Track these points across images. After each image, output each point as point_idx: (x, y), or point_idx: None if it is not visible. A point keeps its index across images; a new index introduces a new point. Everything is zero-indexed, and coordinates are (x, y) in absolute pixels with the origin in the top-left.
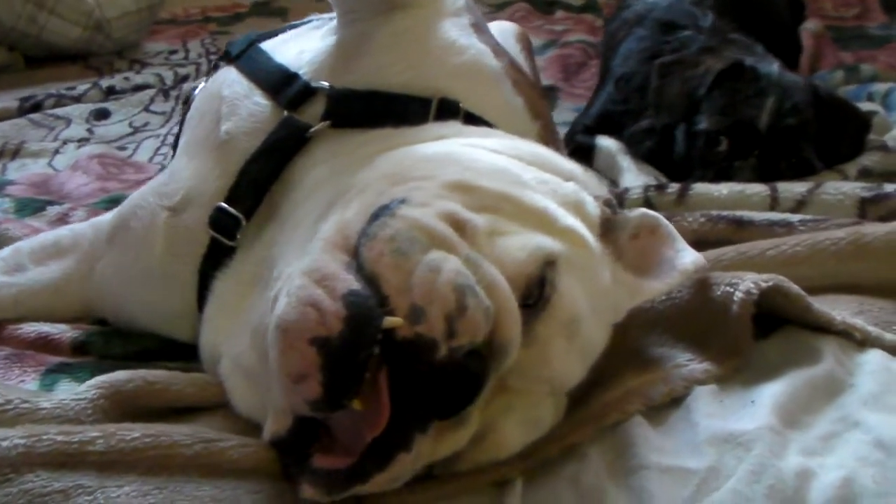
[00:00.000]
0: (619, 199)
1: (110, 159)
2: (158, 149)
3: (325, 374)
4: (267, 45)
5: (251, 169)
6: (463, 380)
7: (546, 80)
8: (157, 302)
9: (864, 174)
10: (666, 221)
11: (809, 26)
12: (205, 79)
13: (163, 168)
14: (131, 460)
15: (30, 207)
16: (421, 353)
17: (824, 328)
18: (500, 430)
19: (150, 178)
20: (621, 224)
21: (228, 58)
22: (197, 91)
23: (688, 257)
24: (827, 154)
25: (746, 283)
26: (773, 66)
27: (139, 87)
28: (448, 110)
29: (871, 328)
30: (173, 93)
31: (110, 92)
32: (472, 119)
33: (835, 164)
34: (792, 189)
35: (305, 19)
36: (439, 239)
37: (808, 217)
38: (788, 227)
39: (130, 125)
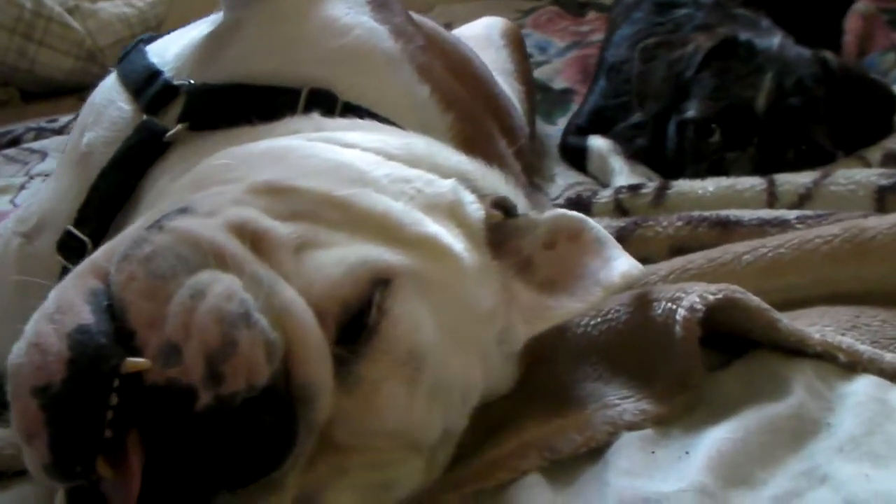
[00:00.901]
0: (586, 205)
1: None
2: None
3: (50, 433)
4: (153, 44)
5: (100, 184)
6: (253, 435)
7: (562, 83)
8: (13, 339)
9: (891, 160)
10: (593, 224)
11: (859, 7)
12: None
13: None
14: None
15: None
16: (175, 404)
17: (799, 350)
18: (327, 499)
19: None
20: (525, 229)
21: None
22: None
23: (617, 269)
24: (846, 138)
25: (691, 298)
26: (774, 40)
27: None
28: (324, 102)
29: (863, 348)
30: None
31: None
32: (355, 111)
33: (856, 149)
34: (793, 181)
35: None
36: (217, 255)
37: (808, 213)
38: (783, 226)
39: None
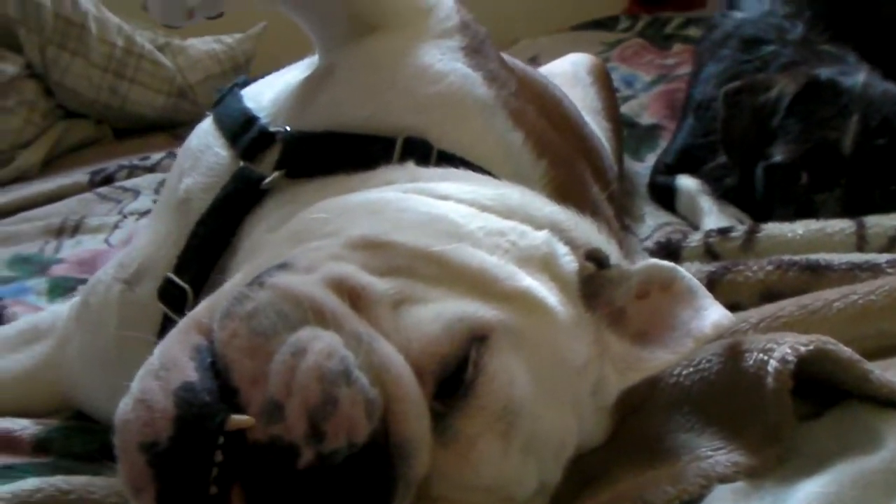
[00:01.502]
0: (676, 248)
1: None
2: None
3: (158, 488)
4: (248, 88)
5: (199, 231)
6: (352, 491)
7: (649, 119)
8: (116, 387)
9: None
10: (685, 273)
11: None
12: None
13: None
14: None
15: (61, 288)
16: (278, 461)
17: (891, 402)
18: None
19: None
20: (619, 280)
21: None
22: None
23: (708, 318)
24: None
25: (783, 349)
26: (859, 77)
27: None
28: (418, 150)
29: None
30: None
31: None
32: (449, 160)
33: None
34: (883, 223)
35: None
36: (317, 312)
37: None
38: (874, 270)
39: None
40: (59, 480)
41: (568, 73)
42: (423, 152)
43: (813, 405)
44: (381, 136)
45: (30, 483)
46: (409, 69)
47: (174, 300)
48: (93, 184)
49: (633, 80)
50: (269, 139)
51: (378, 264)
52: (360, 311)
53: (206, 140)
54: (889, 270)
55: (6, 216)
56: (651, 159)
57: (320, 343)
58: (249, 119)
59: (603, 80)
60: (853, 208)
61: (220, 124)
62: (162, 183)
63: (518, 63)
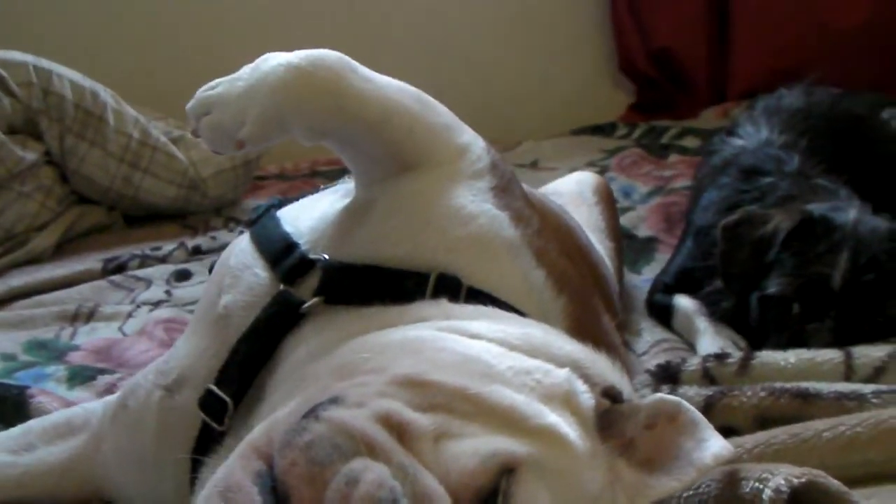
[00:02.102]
0: (675, 372)
1: (177, 324)
2: None
3: None
4: (284, 211)
5: (241, 348)
6: None
7: (646, 231)
8: (151, 485)
9: None
10: (688, 406)
11: None
12: None
13: None
14: None
15: (81, 376)
16: None
17: None
18: None
19: None
20: (629, 413)
21: (249, 223)
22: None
23: (709, 449)
24: None
25: (777, 480)
26: (850, 214)
27: (225, 247)
28: (449, 287)
29: None
30: None
31: (196, 251)
32: (478, 296)
33: None
34: (869, 354)
35: (337, 181)
36: (367, 445)
37: (882, 388)
38: (859, 401)
39: None
40: None
41: (574, 192)
42: (453, 288)
43: None
44: (415, 272)
45: None
46: (443, 209)
47: (213, 410)
48: (105, 271)
49: (630, 191)
50: (309, 266)
51: (420, 401)
52: (404, 444)
53: (245, 260)
54: (874, 401)
55: (20, 298)
56: (647, 272)
57: (372, 474)
58: (290, 245)
59: (607, 199)
60: (842, 339)
61: (260, 246)
62: (174, 274)
63: (536, 195)
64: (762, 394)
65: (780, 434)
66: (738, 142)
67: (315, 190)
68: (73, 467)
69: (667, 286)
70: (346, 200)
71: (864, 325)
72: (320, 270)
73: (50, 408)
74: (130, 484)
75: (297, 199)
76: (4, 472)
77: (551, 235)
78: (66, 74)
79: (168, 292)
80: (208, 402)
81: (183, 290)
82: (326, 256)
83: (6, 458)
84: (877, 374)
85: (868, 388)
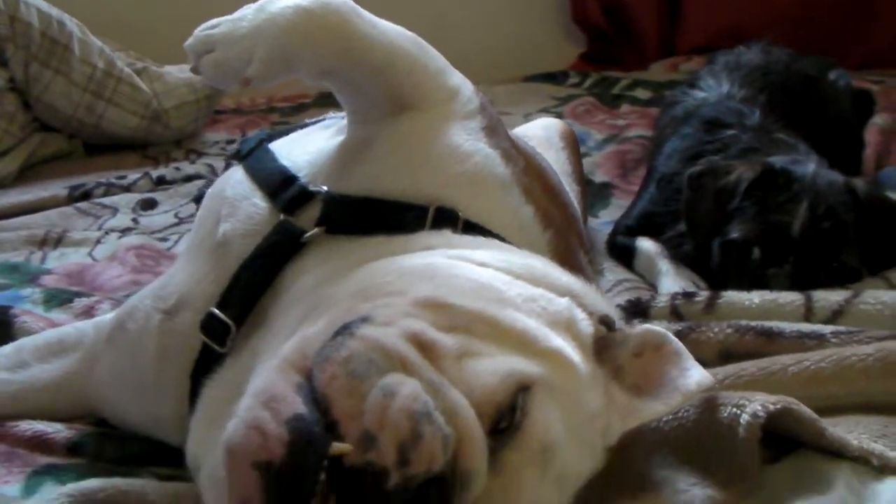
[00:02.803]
0: (645, 308)
1: (148, 251)
2: None
3: (268, 501)
4: (276, 145)
5: (243, 274)
6: None
7: (602, 177)
8: (149, 405)
9: None
10: (672, 338)
11: (878, 121)
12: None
13: None
14: None
15: (58, 299)
16: (371, 481)
17: (840, 453)
18: None
19: None
20: (621, 341)
21: (239, 156)
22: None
23: (692, 377)
24: (872, 259)
25: (754, 406)
26: (809, 167)
27: (189, 178)
28: (445, 219)
29: (892, 454)
30: None
31: (160, 182)
32: (473, 228)
33: (881, 270)
34: (828, 298)
35: (320, 117)
36: (399, 361)
37: (841, 329)
38: (819, 340)
39: (176, 216)
40: (118, 482)
41: (541, 137)
42: (451, 221)
43: (772, 451)
44: (415, 205)
45: (93, 483)
46: (441, 147)
47: (215, 332)
48: (71, 198)
49: (586, 139)
50: (308, 197)
51: (442, 322)
52: (431, 361)
53: (242, 191)
54: (833, 340)
55: None
56: (603, 216)
57: (407, 388)
58: (289, 177)
59: (572, 144)
60: (801, 283)
61: (256, 177)
62: (140, 203)
63: (512, 137)
64: (728, 330)
65: (749, 367)
66: (699, 94)
67: (302, 125)
68: (66, 385)
69: (629, 229)
70: (341, 137)
71: (820, 270)
72: (321, 202)
73: (35, 327)
74: (127, 403)
75: (287, 134)
76: (0, 389)
77: (533, 174)
78: (34, 2)
79: (135, 220)
80: (209, 325)
81: (149, 219)
82: (326, 189)
83: (1, 375)
84: (834, 316)
85: (827, 329)
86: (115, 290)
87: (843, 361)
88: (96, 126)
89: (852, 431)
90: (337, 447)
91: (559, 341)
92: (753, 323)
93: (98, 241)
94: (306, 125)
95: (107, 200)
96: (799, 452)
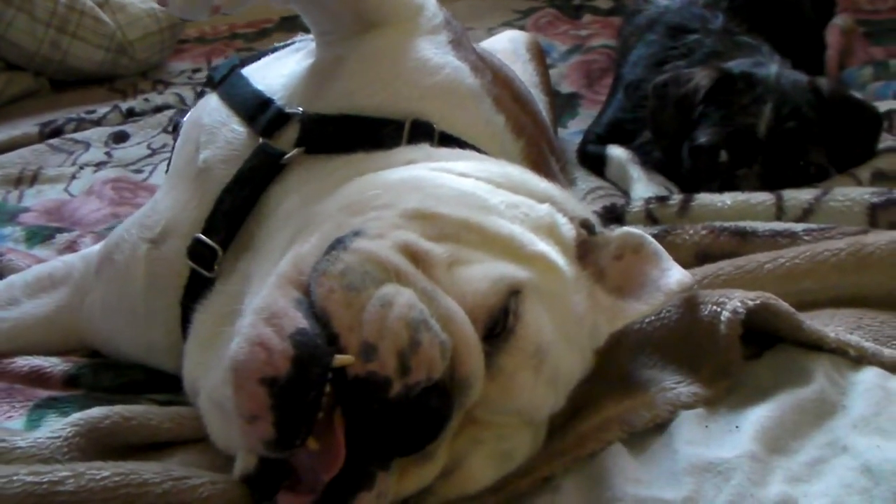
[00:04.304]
0: (620, 213)
1: (124, 183)
2: None
3: (276, 415)
4: (248, 70)
5: (226, 198)
6: (424, 415)
7: (568, 87)
8: (140, 334)
9: (879, 178)
10: (651, 239)
11: (838, 22)
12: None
13: None
14: (101, 499)
15: (39, 235)
16: (374, 391)
17: (818, 346)
18: (468, 465)
19: None
20: (602, 244)
21: (212, 84)
22: (185, 119)
23: (673, 277)
24: (838, 156)
25: (734, 303)
26: (772, 69)
27: (159, 109)
28: (423, 132)
29: (867, 344)
30: None
31: (130, 114)
32: (449, 140)
33: (848, 168)
34: (798, 197)
35: (289, 41)
36: (394, 272)
37: (812, 226)
38: (792, 238)
39: (149, 147)
40: (121, 409)
41: (508, 49)
42: (427, 134)
43: (752, 348)
44: (391, 120)
45: (96, 411)
46: (411, 62)
47: (202, 257)
48: (43, 135)
49: (550, 50)
50: (285, 119)
51: (431, 232)
52: (423, 271)
53: (219, 117)
54: (805, 237)
55: None
56: (572, 126)
57: (402, 297)
58: (264, 101)
59: (539, 56)
60: (769, 183)
61: (232, 103)
62: (112, 136)
63: (482, 50)
64: (703, 232)
65: (726, 266)
66: (662, 2)
67: (272, 49)
68: (58, 319)
69: (599, 137)
70: (312, 59)
71: (788, 169)
72: (298, 123)
73: (21, 264)
74: (119, 333)
75: (258, 59)
76: None
77: (502, 85)
78: None
79: (108, 153)
80: (196, 251)
81: (122, 151)
82: (301, 110)
83: None
84: (805, 214)
85: (799, 227)
86: (96, 223)
87: (816, 257)
88: (62, 62)
89: (828, 325)
90: (340, 359)
91: (543, 245)
92: (728, 224)
93: (73, 177)
94: (276, 49)
95: (78, 136)
96: (778, 347)
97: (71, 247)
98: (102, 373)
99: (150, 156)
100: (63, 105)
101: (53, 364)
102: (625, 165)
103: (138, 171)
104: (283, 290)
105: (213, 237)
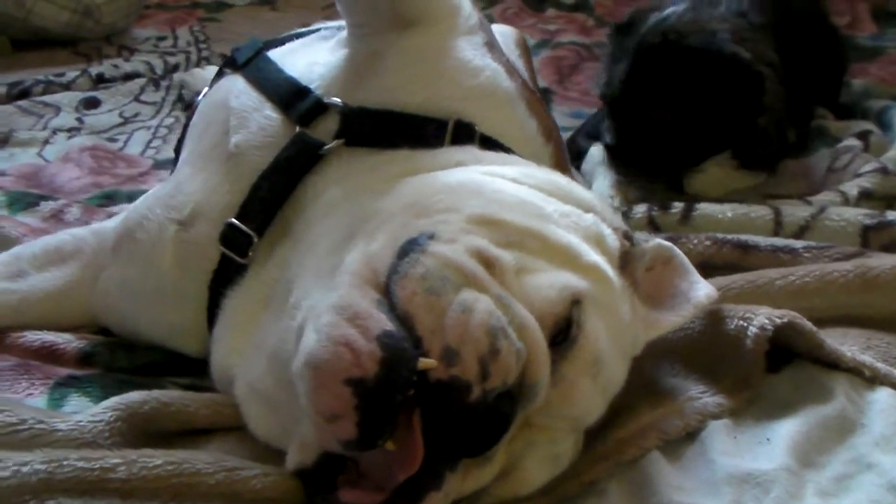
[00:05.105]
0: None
1: (102, 152)
2: (150, 142)
3: (361, 415)
4: (274, 55)
5: (263, 185)
6: (493, 420)
7: (541, 82)
8: (163, 316)
9: (865, 196)
10: (679, 252)
11: None
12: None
13: (155, 164)
14: (153, 488)
15: (22, 202)
16: (455, 395)
17: (834, 364)
18: (523, 467)
19: (143, 174)
20: (637, 256)
21: (234, 65)
22: (200, 97)
23: (702, 290)
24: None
25: (761, 319)
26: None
27: (129, 76)
28: (463, 133)
29: (880, 365)
30: (163, 83)
31: (100, 80)
32: (488, 142)
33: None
34: (795, 213)
35: (313, 27)
36: (470, 277)
37: (812, 244)
38: (793, 254)
39: (121, 115)
40: (158, 394)
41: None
42: (468, 135)
43: (768, 362)
44: (434, 118)
45: (135, 395)
46: (453, 62)
47: (235, 243)
48: (10, 96)
49: None
50: (323, 109)
51: (498, 238)
52: (494, 277)
53: (249, 102)
54: (806, 255)
55: None
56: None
57: (482, 304)
58: (301, 90)
59: (527, 52)
60: (623, 136)
61: (263, 88)
62: (82, 101)
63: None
64: (707, 242)
65: (737, 280)
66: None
67: (296, 34)
68: (69, 294)
69: (589, 134)
70: (344, 50)
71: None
72: (338, 114)
73: (14, 233)
74: (138, 313)
75: (282, 43)
76: (2, 299)
77: (528, 88)
78: None
79: (79, 119)
80: (229, 236)
81: (94, 118)
82: (341, 101)
83: (1, 284)
84: (801, 231)
85: (799, 244)
86: (77, 192)
87: (825, 276)
88: (25, 20)
89: (843, 344)
90: (424, 362)
91: (596, 256)
92: (730, 236)
93: (47, 142)
94: (301, 34)
95: (48, 99)
96: (796, 363)
97: (56, 216)
98: (119, 352)
99: (122, 124)
100: (25, 65)
101: (66, 341)
102: (597, 165)
103: (112, 140)
104: (362, 291)
105: (247, 223)
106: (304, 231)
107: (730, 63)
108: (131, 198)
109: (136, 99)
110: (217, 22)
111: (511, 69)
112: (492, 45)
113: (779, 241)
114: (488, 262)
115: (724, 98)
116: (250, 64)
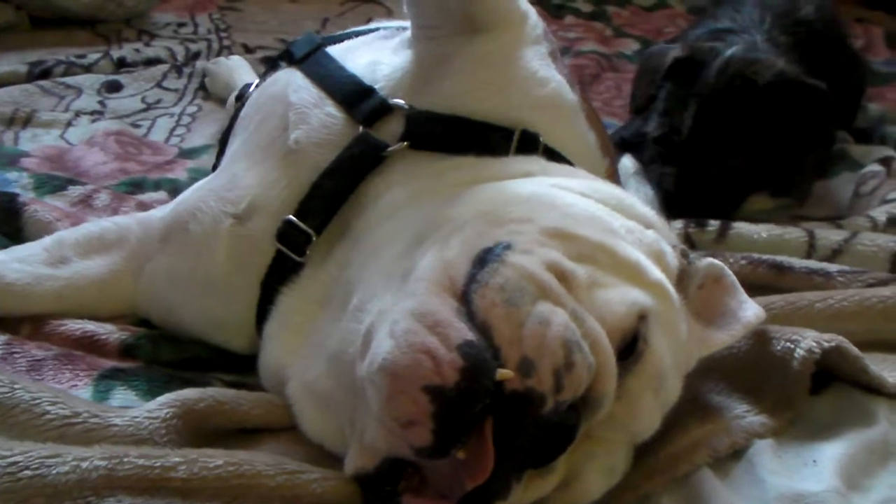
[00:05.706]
0: None
1: (127, 138)
2: (174, 129)
3: (437, 423)
4: (334, 52)
5: (324, 184)
6: (561, 431)
7: None
8: (211, 310)
9: (893, 223)
10: (729, 272)
11: None
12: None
13: (181, 152)
14: (214, 488)
15: (49, 185)
16: (529, 407)
17: (876, 389)
18: (582, 478)
19: (169, 162)
20: (692, 274)
21: (290, 59)
22: (252, 89)
23: (750, 310)
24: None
25: (808, 342)
26: (732, 49)
27: (150, 61)
28: (528, 143)
29: None
30: (186, 70)
31: (121, 64)
32: (551, 154)
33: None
34: (829, 237)
35: (370, 25)
36: (546, 290)
37: (846, 268)
38: (826, 277)
39: (143, 101)
40: (214, 392)
41: None
42: (532, 145)
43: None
44: (501, 127)
45: (190, 392)
46: (521, 71)
47: (292, 241)
48: (31, 75)
49: None
50: (388, 110)
51: (571, 252)
52: (568, 290)
53: (310, 98)
54: (839, 279)
55: None
56: None
57: (558, 317)
58: (365, 90)
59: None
60: (686, 183)
61: (325, 85)
62: (105, 84)
63: None
64: (742, 262)
65: (777, 300)
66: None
67: (354, 32)
68: (113, 284)
69: (623, 141)
70: (408, 51)
71: (706, 172)
72: (403, 117)
73: (47, 217)
74: (185, 306)
75: (340, 39)
76: (45, 285)
77: (588, 101)
78: None
79: (101, 102)
80: (287, 233)
81: (116, 102)
82: (406, 104)
83: (45, 270)
84: (834, 254)
85: (833, 268)
86: (105, 177)
87: (864, 301)
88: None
89: (883, 370)
90: (501, 373)
91: (659, 273)
92: (765, 256)
93: (69, 124)
94: (359, 33)
95: (70, 80)
96: (837, 386)
97: (85, 201)
98: (162, 345)
99: (145, 110)
100: (46, 44)
101: (108, 331)
102: (629, 177)
103: (135, 126)
104: (441, 298)
105: (306, 221)
106: (364, 232)
107: (810, 91)
108: (158, 186)
109: (159, 85)
110: (236, 11)
111: (572, 81)
112: (555, 56)
113: (813, 264)
114: (562, 275)
115: (803, 127)
116: (309, 59)
